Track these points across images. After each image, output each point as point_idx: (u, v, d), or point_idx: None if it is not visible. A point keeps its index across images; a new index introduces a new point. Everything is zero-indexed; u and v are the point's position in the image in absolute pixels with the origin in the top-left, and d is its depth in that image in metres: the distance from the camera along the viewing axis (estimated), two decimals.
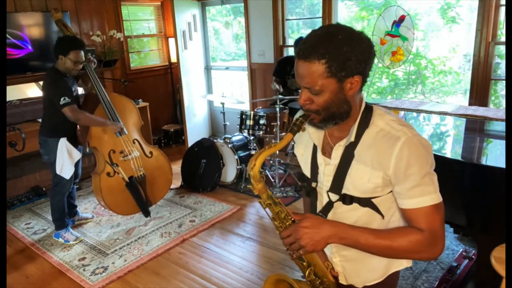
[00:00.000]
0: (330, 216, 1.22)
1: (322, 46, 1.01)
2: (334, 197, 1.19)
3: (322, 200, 1.24)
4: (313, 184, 1.26)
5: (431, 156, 1.09)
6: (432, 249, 1.08)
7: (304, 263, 1.22)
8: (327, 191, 1.21)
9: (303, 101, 1.10)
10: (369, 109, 1.15)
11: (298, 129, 1.11)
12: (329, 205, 1.21)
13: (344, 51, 1.01)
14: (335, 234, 1.09)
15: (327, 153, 1.21)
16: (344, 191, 1.16)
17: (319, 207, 1.26)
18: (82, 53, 3.04)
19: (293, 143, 1.37)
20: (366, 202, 1.15)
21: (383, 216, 1.17)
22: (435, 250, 1.09)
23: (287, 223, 1.16)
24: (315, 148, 1.24)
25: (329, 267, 1.28)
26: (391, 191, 1.14)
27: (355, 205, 1.16)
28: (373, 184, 1.11)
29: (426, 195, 1.07)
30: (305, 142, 1.29)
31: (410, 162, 1.05)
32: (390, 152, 1.07)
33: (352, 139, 1.13)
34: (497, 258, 1.59)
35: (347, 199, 1.16)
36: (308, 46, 1.03)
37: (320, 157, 1.22)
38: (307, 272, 1.22)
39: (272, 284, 1.25)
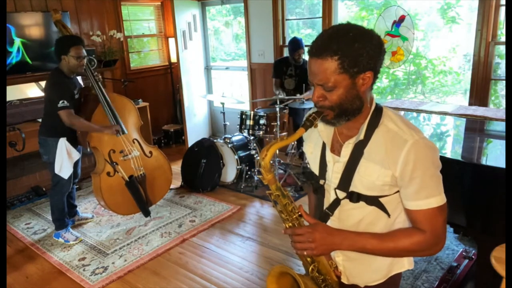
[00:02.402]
0: (337, 213, 1.24)
1: (334, 43, 1.04)
2: (341, 194, 1.21)
3: (329, 197, 1.25)
4: (321, 182, 1.28)
5: (437, 158, 1.11)
6: (433, 248, 1.14)
7: (308, 259, 1.24)
8: (335, 188, 1.22)
9: (317, 98, 1.12)
10: (379, 109, 1.17)
11: (310, 124, 1.13)
12: (336, 202, 1.23)
13: (355, 47, 1.03)
14: (342, 242, 1.14)
15: (336, 151, 1.23)
16: (351, 188, 1.18)
17: (326, 204, 1.27)
18: (83, 48, 3.04)
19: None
20: (373, 201, 1.17)
21: (389, 215, 1.18)
22: (436, 249, 1.14)
23: (294, 216, 1.18)
24: (324, 146, 1.26)
25: (333, 265, 1.29)
26: (398, 191, 1.16)
27: (361, 203, 1.18)
28: (381, 182, 1.13)
29: (430, 197, 1.09)
30: (315, 140, 1.30)
31: (416, 165, 1.07)
32: (398, 154, 1.09)
33: (362, 137, 1.14)
34: (497, 258, 1.59)
35: (354, 197, 1.18)
36: (321, 44, 1.06)
37: (329, 155, 1.24)
38: (310, 268, 1.23)
39: (275, 276, 1.26)
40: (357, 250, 1.16)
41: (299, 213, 1.18)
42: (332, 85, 1.07)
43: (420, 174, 1.07)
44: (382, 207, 1.17)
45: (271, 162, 1.12)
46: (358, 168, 1.15)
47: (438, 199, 1.10)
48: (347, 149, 1.18)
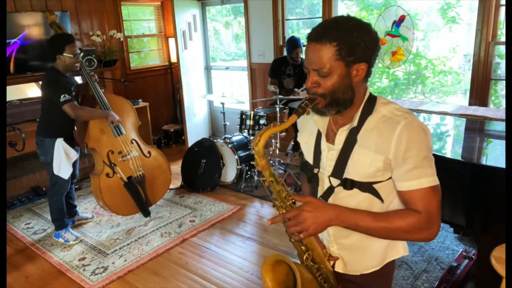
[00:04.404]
0: (331, 201, 1.25)
1: (334, 30, 1.08)
2: (335, 182, 1.22)
3: (323, 185, 1.27)
4: (315, 170, 1.29)
5: (430, 140, 1.13)
6: (427, 230, 1.12)
7: (303, 247, 1.23)
8: (329, 176, 1.23)
9: (310, 84, 1.14)
10: (373, 98, 1.19)
11: (303, 111, 1.15)
12: (330, 190, 1.24)
13: (354, 36, 1.07)
14: (336, 217, 1.12)
15: (330, 139, 1.24)
16: (345, 175, 1.19)
17: (320, 193, 1.28)
18: (76, 45, 3.06)
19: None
20: (367, 187, 1.18)
21: (382, 201, 1.19)
22: (430, 232, 1.12)
23: (288, 203, 1.18)
24: (319, 134, 1.27)
25: (327, 254, 1.30)
26: (391, 177, 1.16)
27: (355, 190, 1.19)
28: (374, 168, 1.14)
29: (423, 177, 1.10)
30: (309, 130, 1.32)
31: (409, 145, 1.09)
32: (391, 136, 1.10)
33: (355, 124, 1.17)
34: (497, 258, 1.59)
35: (348, 184, 1.19)
36: (321, 30, 1.10)
37: (323, 143, 1.25)
38: (304, 257, 1.23)
39: (270, 265, 1.24)
40: (350, 227, 1.14)
41: (293, 200, 1.17)
42: (328, 71, 1.10)
43: (413, 154, 1.09)
44: (375, 193, 1.18)
45: (269, 161, 1.12)
46: (352, 155, 1.17)
47: (430, 179, 1.11)
48: (341, 136, 1.20)
